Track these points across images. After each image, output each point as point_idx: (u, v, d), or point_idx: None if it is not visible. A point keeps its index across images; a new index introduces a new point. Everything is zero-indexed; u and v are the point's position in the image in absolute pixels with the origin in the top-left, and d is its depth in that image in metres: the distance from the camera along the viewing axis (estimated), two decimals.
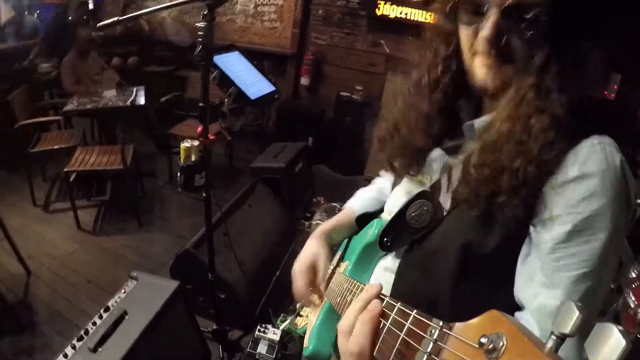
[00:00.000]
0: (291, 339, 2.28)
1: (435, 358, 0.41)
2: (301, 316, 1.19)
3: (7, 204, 3.62)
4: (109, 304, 1.65)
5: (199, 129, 1.69)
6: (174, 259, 2.41)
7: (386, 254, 0.94)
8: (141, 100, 4.03)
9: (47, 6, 5.87)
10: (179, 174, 1.81)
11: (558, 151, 0.65)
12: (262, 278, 2.67)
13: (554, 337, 0.32)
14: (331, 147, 4.85)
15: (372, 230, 1.00)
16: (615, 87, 3.37)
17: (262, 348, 2.22)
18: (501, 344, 0.33)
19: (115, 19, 1.56)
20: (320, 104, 5.05)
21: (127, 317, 1.59)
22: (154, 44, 5.92)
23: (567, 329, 0.32)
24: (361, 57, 4.83)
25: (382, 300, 0.57)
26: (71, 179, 3.31)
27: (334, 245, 1.16)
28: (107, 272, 2.91)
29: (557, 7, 0.65)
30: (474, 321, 0.39)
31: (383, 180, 1.21)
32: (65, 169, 3.27)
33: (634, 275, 2.22)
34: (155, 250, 3.21)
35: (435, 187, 0.84)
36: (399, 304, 0.53)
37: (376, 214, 1.10)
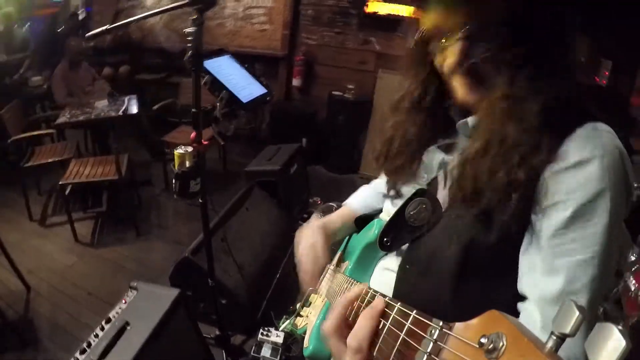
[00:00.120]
0: (294, 340, 2.28)
1: (435, 358, 0.41)
2: (301, 316, 1.19)
3: (3, 219, 3.60)
4: (110, 315, 1.64)
5: (192, 134, 1.68)
6: (174, 266, 2.40)
7: (386, 254, 0.94)
8: (133, 110, 4.02)
9: (36, 19, 5.85)
10: (174, 181, 1.80)
11: (550, 147, 0.66)
12: (262, 281, 2.67)
13: (554, 337, 0.32)
14: (325, 147, 4.86)
15: (372, 231, 1.00)
16: (607, 73, 3.39)
17: (265, 351, 2.22)
18: (501, 344, 0.33)
19: (104, 27, 1.56)
20: (313, 104, 5.05)
21: (129, 327, 1.58)
22: (144, 51, 5.91)
23: (567, 329, 0.32)
24: (352, 56, 4.84)
25: (368, 294, 0.58)
26: (67, 192, 3.30)
27: (333, 245, 1.16)
28: (107, 283, 2.90)
29: (509, 25, 0.67)
30: (474, 321, 0.39)
31: (381, 180, 1.21)
32: (60, 182, 3.26)
33: (633, 258, 2.23)
34: (154, 258, 3.20)
35: (433, 184, 0.84)
36: (399, 304, 0.53)
37: (375, 214, 1.10)
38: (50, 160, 3.68)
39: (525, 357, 0.32)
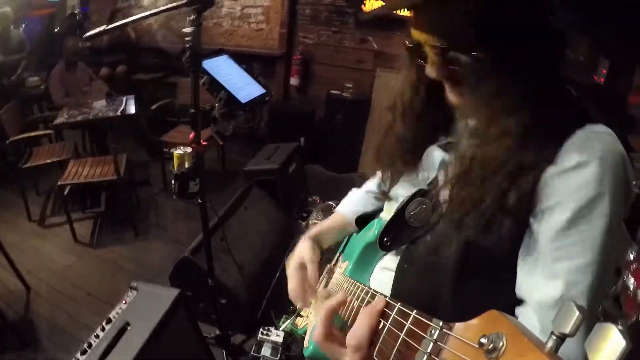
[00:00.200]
0: (294, 340, 2.28)
1: (435, 358, 0.41)
2: (301, 316, 1.19)
3: (2, 220, 3.60)
4: (111, 315, 1.64)
5: (191, 135, 1.68)
6: (173, 266, 2.40)
7: (386, 254, 0.94)
8: (131, 110, 4.01)
9: (33, 19, 5.82)
10: (173, 182, 1.80)
11: (545, 149, 0.65)
12: (262, 280, 2.67)
13: (554, 337, 0.32)
14: (323, 146, 4.85)
15: (372, 231, 1.00)
16: (605, 71, 3.39)
17: (265, 351, 2.22)
18: (501, 344, 0.33)
19: (101, 28, 1.55)
20: (311, 103, 5.04)
21: (129, 328, 1.58)
22: (141, 51, 5.89)
23: (567, 329, 0.32)
24: (349, 55, 4.83)
25: (368, 294, 0.58)
26: (65, 192, 3.29)
27: (328, 249, 1.16)
28: (106, 284, 2.90)
29: (480, 30, 0.66)
30: (474, 321, 0.39)
31: (374, 180, 1.21)
32: (59, 183, 3.25)
33: (631, 257, 2.24)
34: (154, 258, 3.20)
35: (433, 184, 0.84)
36: (399, 304, 0.53)
37: (375, 214, 1.10)
38: (48, 161, 3.67)
39: (525, 357, 0.32)
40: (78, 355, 1.49)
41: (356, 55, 4.79)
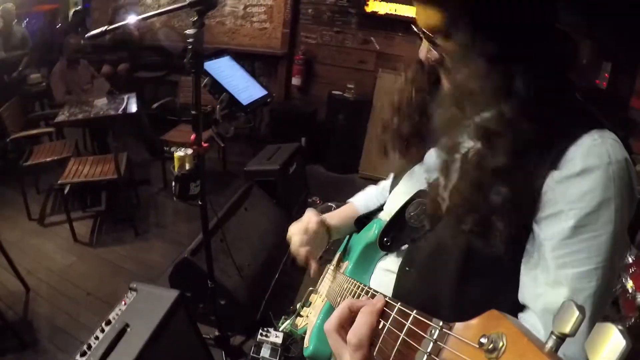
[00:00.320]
0: (293, 341, 2.28)
1: (435, 358, 0.41)
2: (301, 316, 1.19)
3: (2, 218, 3.60)
4: (110, 317, 1.64)
5: (192, 137, 1.68)
6: (173, 267, 2.40)
7: (386, 254, 0.94)
8: (133, 108, 4.02)
9: (35, 15, 5.83)
10: (173, 184, 1.80)
11: (552, 156, 0.65)
12: (261, 281, 2.67)
13: (554, 337, 0.32)
14: (324, 147, 4.86)
15: (372, 231, 1.00)
16: (607, 75, 3.39)
17: (265, 352, 2.22)
18: (501, 344, 0.33)
19: (104, 28, 1.55)
20: (312, 103, 5.05)
21: (129, 329, 1.58)
22: (143, 49, 5.90)
23: (567, 329, 0.32)
24: (352, 55, 4.84)
25: (368, 294, 0.57)
26: (65, 191, 3.29)
27: (333, 245, 1.16)
28: (106, 284, 2.90)
29: (476, 19, 0.66)
30: (474, 321, 0.39)
31: (388, 182, 1.21)
32: (59, 181, 3.25)
33: (630, 260, 2.24)
34: (153, 258, 3.20)
35: (434, 185, 0.84)
36: (399, 304, 0.53)
37: (376, 214, 1.10)
38: (49, 159, 3.68)
39: (525, 357, 0.32)
40: (77, 357, 1.49)
41: (358, 55, 4.80)
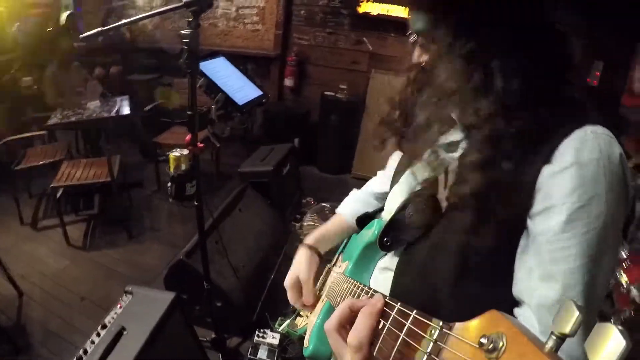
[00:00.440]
0: (290, 342, 2.28)
1: (435, 358, 0.41)
2: (301, 316, 1.19)
3: None
4: (106, 320, 1.63)
5: (188, 137, 1.67)
6: (168, 269, 2.38)
7: (386, 254, 0.94)
8: (126, 110, 3.99)
9: (26, 18, 5.77)
10: (169, 184, 1.80)
11: (544, 151, 0.66)
12: (257, 282, 2.67)
13: (554, 337, 0.32)
14: (318, 147, 4.86)
15: (372, 230, 1.00)
16: (598, 74, 3.42)
17: (262, 353, 2.22)
18: (501, 344, 0.33)
19: (98, 29, 1.54)
20: (305, 104, 5.05)
21: (125, 332, 1.57)
22: (136, 52, 5.87)
23: (567, 329, 0.32)
24: (344, 56, 4.84)
25: (368, 294, 0.58)
26: (58, 195, 3.26)
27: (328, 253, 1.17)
28: (100, 287, 2.88)
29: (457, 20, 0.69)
30: (474, 321, 0.39)
31: (376, 180, 1.21)
32: (52, 185, 3.22)
33: (624, 255, 2.26)
34: (148, 261, 3.18)
35: (433, 184, 0.84)
36: (399, 304, 0.53)
37: (376, 214, 1.10)
38: (41, 163, 3.64)
39: (525, 357, 0.32)
40: None
41: (351, 56, 4.80)
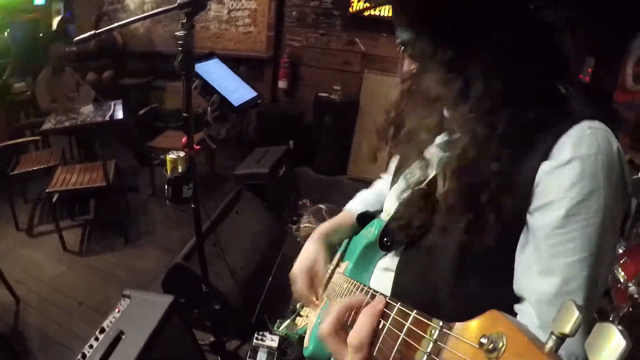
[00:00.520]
0: (290, 344, 2.28)
1: (435, 358, 0.41)
2: (301, 316, 1.19)
3: None
4: (104, 325, 1.63)
5: (184, 139, 1.67)
6: (166, 273, 2.38)
7: (386, 254, 0.95)
8: (119, 115, 3.98)
9: (18, 24, 5.74)
10: (166, 187, 1.79)
11: (543, 148, 0.66)
12: (255, 284, 2.66)
13: (554, 337, 0.32)
14: (313, 149, 4.86)
15: (372, 230, 1.01)
16: (590, 70, 3.44)
17: (261, 356, 2.22)
18: (501, 344, 0.34)
19: (91, 33, 1.54)
20: (299, 106, 5.05)
21: (123, 337, 1.57)
22: (128, 56, 5.85)
23: (567, 329, 0.32)
24: (337, 57, 4.84)
25: (368, 294, 0.58)
26: (54, 200, 3.25)
27: (334, 246, 1.17)
28: (97, 292, 2.87)
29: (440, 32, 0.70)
30: (474, 321, 0.39)
31: (382, 182, 1.21)
32: (47, 190, 3.21)
33: (621, 251, 2.28)
34: (145, 265, 3.17)
35: (432, 184, 0.84)
36: (399, 304, 0.53)
37: (376, 214, 1.10)
38: (35, 168, 3.62)
39: (525, 356, 0.32)
40: None
41: (343, 57, 4.81)
